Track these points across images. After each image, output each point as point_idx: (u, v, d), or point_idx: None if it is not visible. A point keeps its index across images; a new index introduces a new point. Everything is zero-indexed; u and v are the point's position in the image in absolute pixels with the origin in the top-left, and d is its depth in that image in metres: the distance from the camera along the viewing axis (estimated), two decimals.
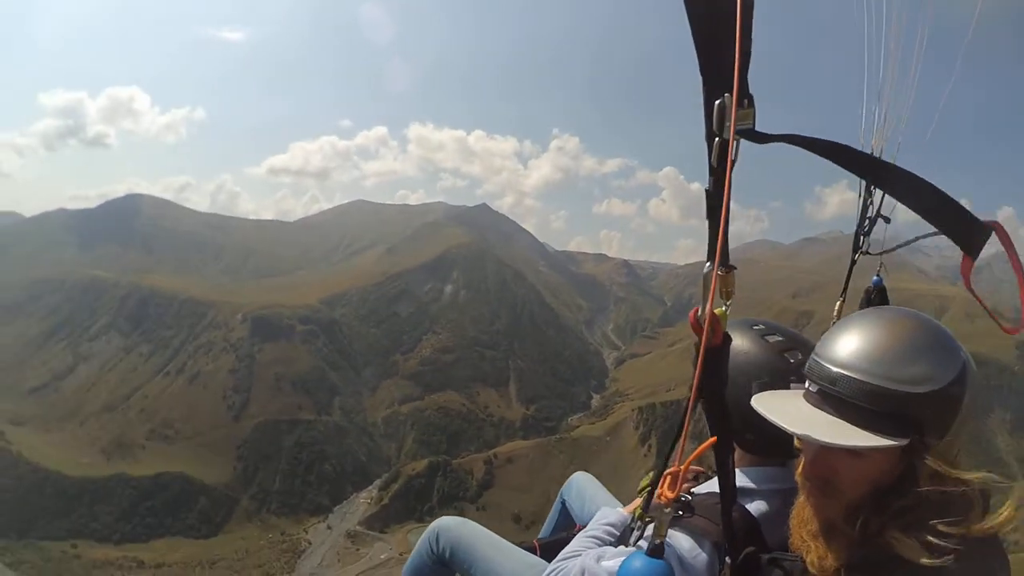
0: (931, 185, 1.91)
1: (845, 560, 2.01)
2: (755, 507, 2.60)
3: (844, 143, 1.77)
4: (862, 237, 3.62)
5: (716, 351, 1.89)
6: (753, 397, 2.26)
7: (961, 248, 2.01)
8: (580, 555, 2.77)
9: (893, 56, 2.98)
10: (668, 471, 2.11)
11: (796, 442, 2.18)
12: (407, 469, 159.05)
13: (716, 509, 2.38)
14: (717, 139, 1.68)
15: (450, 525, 3.98)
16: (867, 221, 3.58)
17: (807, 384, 2.14)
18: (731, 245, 1.92)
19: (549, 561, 3.33)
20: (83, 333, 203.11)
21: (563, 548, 3.35)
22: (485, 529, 3.97)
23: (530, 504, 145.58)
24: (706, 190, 1.90)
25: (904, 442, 1.85)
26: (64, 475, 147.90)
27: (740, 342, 2.75)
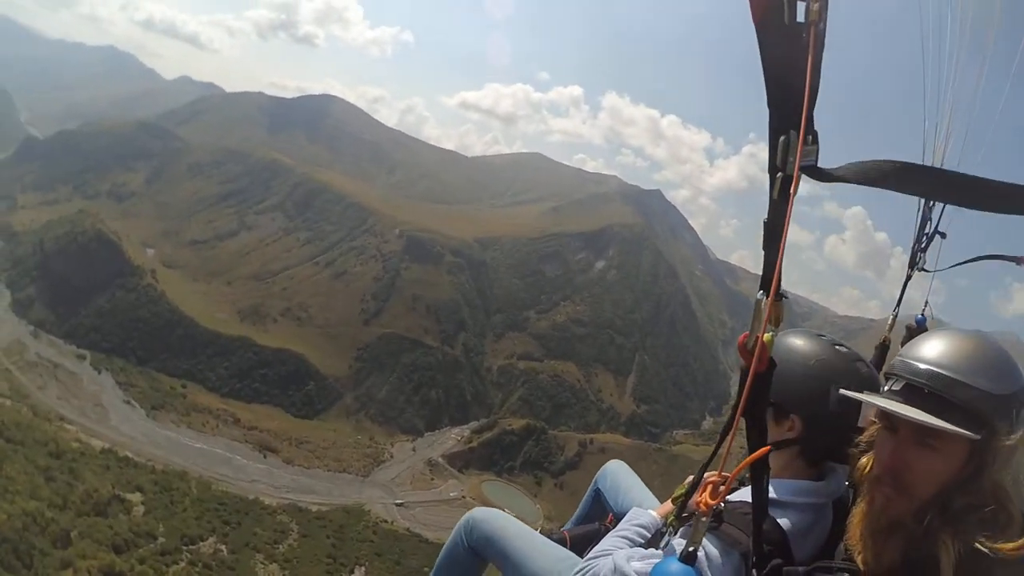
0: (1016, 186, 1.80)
1: (900, 558, 2.23)
2: (785, 521, 2.67)
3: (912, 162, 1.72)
4: (919, 253, 3.79)
5: (762, 376, 1.97)
6: (841, 390, 2.58)
7: None
8: (611, 554, 2.91)
9: (956, 67, 3.01)
10: (709, 479, 2.16)
11: (862, 441, 2.56)
12: (504, 422, 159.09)
13: (747, 519, 2.42)
14: (780, 174, 1.74)
15: (485, 517, 4.00)
16: (924, 237, 3.77)
17: (890, 384, 2.34)
18: None
19: (579, 555, 3.72)
20: (252, 206, 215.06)
21: (592, 541, 3.83)
22: (518, 522, 3.96)
23: None
24: (764, 221, 1.97)
25: (978, 437, 2.04)
26: (197, 323, 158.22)
27: (813, 348, 2.90)
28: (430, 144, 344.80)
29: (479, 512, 4.06)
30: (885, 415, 2.33)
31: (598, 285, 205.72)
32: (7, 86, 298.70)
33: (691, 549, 2.06)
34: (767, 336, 2.02)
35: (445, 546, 4.20)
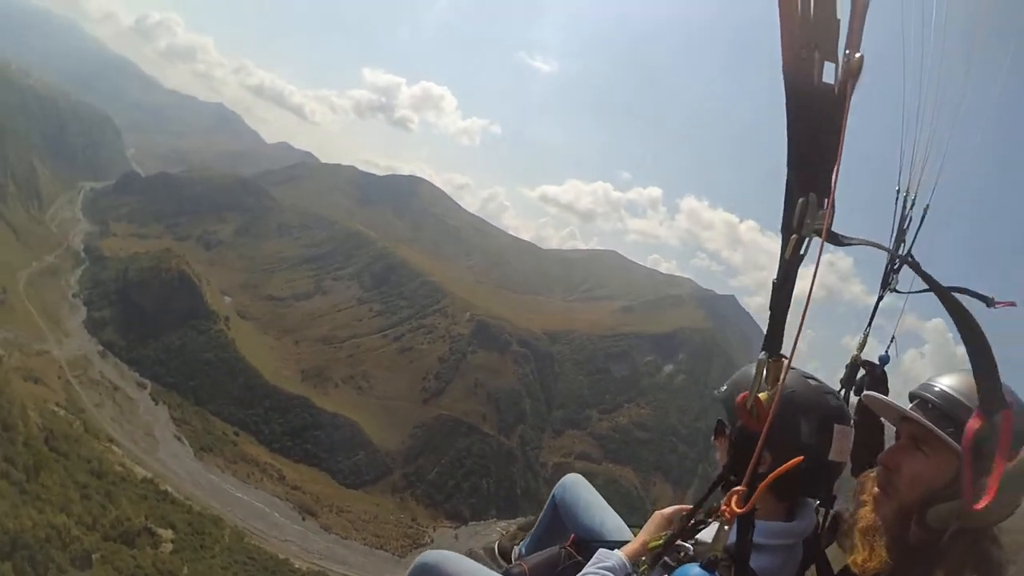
0: (987, 344, 2.07)
1: (885, 563, 2.46)
2: (759, 564, 2.64)
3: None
4: (892, 274, 3.77)
5: (753, 435, 2.10)
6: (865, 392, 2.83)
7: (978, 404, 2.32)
8: None
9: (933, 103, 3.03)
10: (736, 488, 2.17)
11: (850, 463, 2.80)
12: None
13: (725, 565, 2.45)
14: (794, 236, 1.81)
15: (438, 561, 3.81)
16: (897, 260, 3.75)
17: (912, 403, 2.58)
18: None
19: None
20: (332, 271, 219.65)
21: (553, 567, 4.01)
22: (475, 565, 3.84)
23: None
24: (773, 282, 2.13)
25: (959, 448, 2.28)
26: (260, 375, 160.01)
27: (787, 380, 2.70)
28: (508, 233, 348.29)
29: (432, 557, 3.84)
30: (896, 420, 2.60)
31: (664, 390, 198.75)
32: (119, 123, 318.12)
33: (715, 556, 2.14)
34: (763, 395, 2.15)
35: None
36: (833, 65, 1.56)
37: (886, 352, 3.62)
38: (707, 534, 2.72)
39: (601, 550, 3.15)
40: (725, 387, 2.95)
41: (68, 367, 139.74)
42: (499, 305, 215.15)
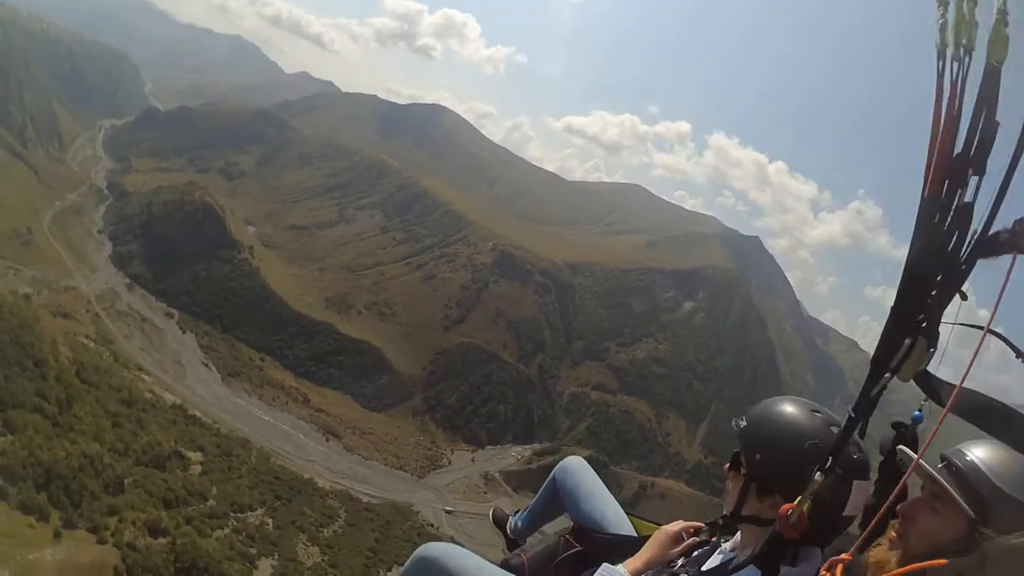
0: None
1: None
2: None
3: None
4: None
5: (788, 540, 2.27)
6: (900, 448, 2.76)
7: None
8: None
9: None
10: (842, 557, 2.33)
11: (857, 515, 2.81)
12: (567, 449, 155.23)
13: None
14: (888, 375, 1.81)
15: (440, 555, 3.71)
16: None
17: (940, 464, 2.61)
18: None
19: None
20: (354, 200, 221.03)
21: (552, 558, 4.03)
22: (476, 560, 3.73)
23: None
24: (849, 415, 2.39)
25: (972, 515, 2.34)
26: (285, 303, 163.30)
27: (808, 427, 2.76)
28: (532, 163, 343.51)
29: (434, 550, 3.70)
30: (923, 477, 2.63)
31: (683, 326, 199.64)
32: (136, 60, 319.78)
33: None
34: (807, 506, 2.28)
35: None
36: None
37: (919, 411, 3.39)
38: (709, 564, 2.95)
39: (605, 565, 3.21)
40: (745, 422, 2.95)
41: (96, 301, 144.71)
42: (522, 235, 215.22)
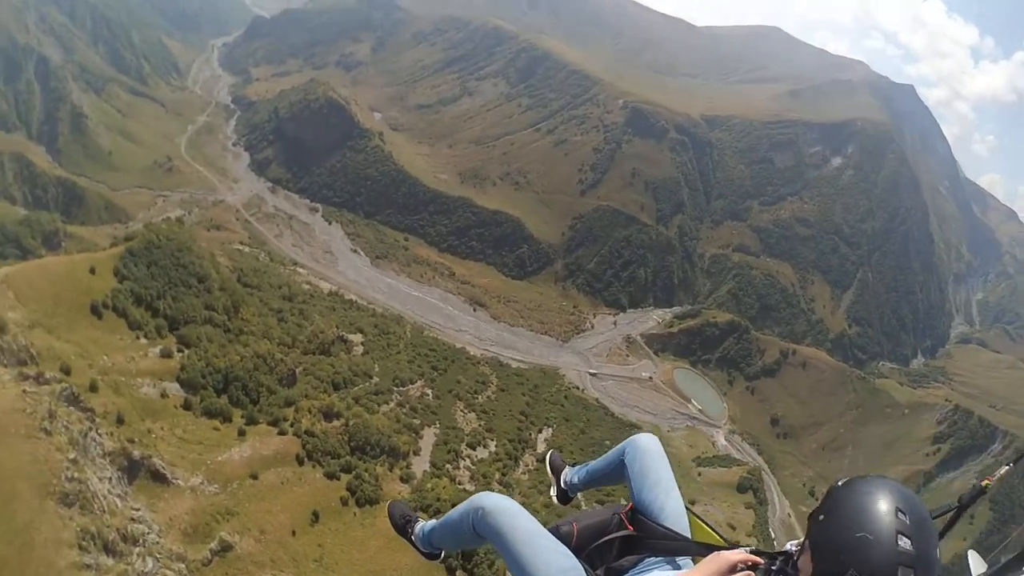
0: None
1: None
2: None
3: None
4: None
5: None
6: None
7: None
8: None
9: None
10: None
11: None
12: (708, 313, 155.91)
13: None
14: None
15: (496, 510, 3.87)
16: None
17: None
18: None
19: (588, 545, 4.01)
20: (475, 72, 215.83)
21: (603, 532, 4.10)
22: (528, 522, 3.84)
23: (798, 416, 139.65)
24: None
25: None
26: (420, 183, 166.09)
27: (873, 520, 2.56)
28: (656, 11, 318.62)
29: (491, 502, 3.89)
30: None
31: (831, 184, 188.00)
32: None
33: None
34: None
35: (455, 514, 4.22)
36: None
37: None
38: None
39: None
40: (840, 484, 2.76)
41: (244, 209, 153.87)
42: (652, 90, 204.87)
